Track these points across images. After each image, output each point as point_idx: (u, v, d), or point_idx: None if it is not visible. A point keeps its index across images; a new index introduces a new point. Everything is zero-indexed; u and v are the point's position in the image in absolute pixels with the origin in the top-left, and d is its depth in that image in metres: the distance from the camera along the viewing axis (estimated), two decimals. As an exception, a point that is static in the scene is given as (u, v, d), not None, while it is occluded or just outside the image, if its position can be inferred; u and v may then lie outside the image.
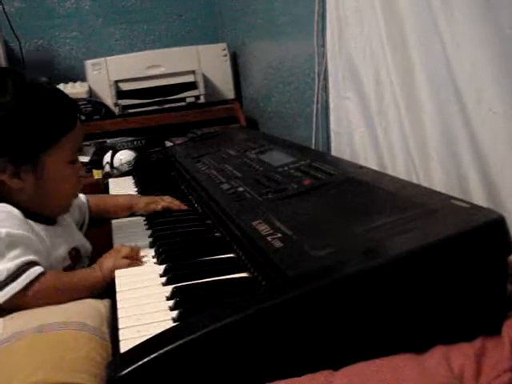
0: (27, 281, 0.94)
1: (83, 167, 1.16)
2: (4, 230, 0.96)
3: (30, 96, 1.02)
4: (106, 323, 0.89)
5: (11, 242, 0.96)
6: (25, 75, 1.08)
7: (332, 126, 1.38)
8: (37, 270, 0.96)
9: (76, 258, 1.12)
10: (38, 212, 1.06)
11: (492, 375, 0.63)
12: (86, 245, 1.19)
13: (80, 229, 1.26)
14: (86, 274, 1.03)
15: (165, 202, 1.32)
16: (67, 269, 1.08)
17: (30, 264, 0.96)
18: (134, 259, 1.03)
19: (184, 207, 1.32)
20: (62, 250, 1.09)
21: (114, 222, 1.32)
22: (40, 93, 1.04)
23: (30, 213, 1.04)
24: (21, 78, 1.05)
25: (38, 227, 1.04)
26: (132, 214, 1.35)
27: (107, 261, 1.03)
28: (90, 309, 0.92)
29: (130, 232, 1.23)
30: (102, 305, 0.94)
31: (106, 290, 1.00)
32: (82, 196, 1.29)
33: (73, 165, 1.07)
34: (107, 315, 0.91)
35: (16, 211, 1.01)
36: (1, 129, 0.98)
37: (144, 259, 1.04)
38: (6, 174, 1.00)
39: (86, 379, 0.74)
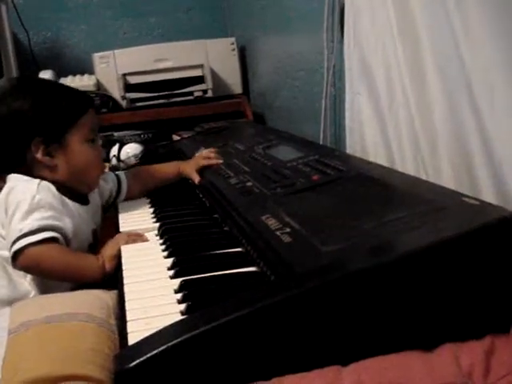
0: (42, 237, 1.06)
1: (103, 151, 1.34)
2: (38, 196, 1.11)
3: (50, 87, 1.26)
4: (113, 315, 0.89)
5: (41, 206, 1.10)
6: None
7: (347, 121, 1.37)
8: (54, 234, 1.08)
9: (95, 239, 1.26)
10: (72, 190, 1.20)
11: (501, 373, 0.63)
12: (99, 228, 1.31)
13: (114, 199, 1.41)
14: (89, 260, 1.11)
15: (204, 158, 1.42)
16: (90, 247, 1.22)
17: (52, 228, 1.08)
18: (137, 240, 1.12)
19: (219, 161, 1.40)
20: (89, 229, 1.24)
21: (120, 215, 1.32)
22: (56, 84, 1.37)
23: (65, 190, 1.18)
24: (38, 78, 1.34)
25: (71, 203, 1.19)
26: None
27: (109, 248, 1.12)
28: (98, 300, 0.92)
29: (138, 225, 1.23)
30: (109, 297, 0.94)
31: (113, 282, 1.01)
32: (115, 174, 1.44)
33: (93, 143, 1.23)
34: (114, 307, 0.91)
35: (51, 186, 1.16)
36: (32, 115, 1.15)
37: (152, 252, 1.04)
38: (40, 153, 1.16)
39: (93, 371, 0.74)
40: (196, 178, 1.38)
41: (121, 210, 1.36)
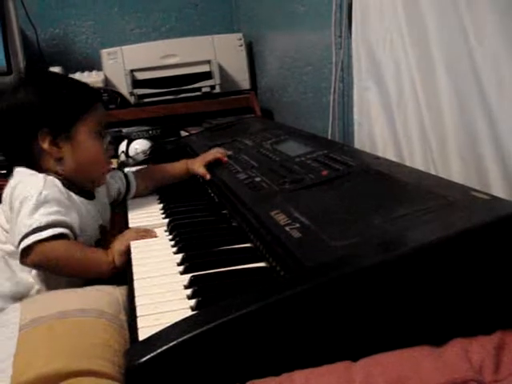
0: (51, 233, 1.06)
1: (112, 149, 1.33)
2: (45, 191, 1.10)
3: (58, 80, 1.29)
4: (123, 311, 0.89)
5: (47, 201, 1.10)
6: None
7: (355, 116, 1.37)
8: (63, 230, 1.08)
9: (104, 235, 1.26)
10: (78, 184, 1.20)
11: (511, 369, 0.62)
12: (108, 225, 1.31)
13: (124, 197, 1.41)
14: (98, 255, 1.11)
15: (213, 154, 1.42)
16: (97, 243, 1.23)
17: (60, 224, 1.08)
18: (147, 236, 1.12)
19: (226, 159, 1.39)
20: (95, 225, 1.23)
21: (130, 212, 1.32)
22: (64, 77, 1.41)
23: (71, 185, 1.18)
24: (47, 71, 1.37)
25: (78, 198, 1.19)
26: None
27: (118, 243, 1.11)
28: (108, 296, 0.93)
29: (147, 221, 1.23)
30: (119, 292, 0.94)
31: (123, 278, 1.01)
32: (123, 172, 1.44)
33: (100, 136, 1.22)
34: (124, 303, 0.91)
35: (57, 181, 1.15)
36: (39, 105, 1.16)
37: (161, 248, 1.05)
38: (47, 143, 1.16)
39: (104, 366, 0.75)
40: (205, 174, 1.37)
41: (130, 206, 1.36)
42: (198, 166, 1.41)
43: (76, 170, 1.19)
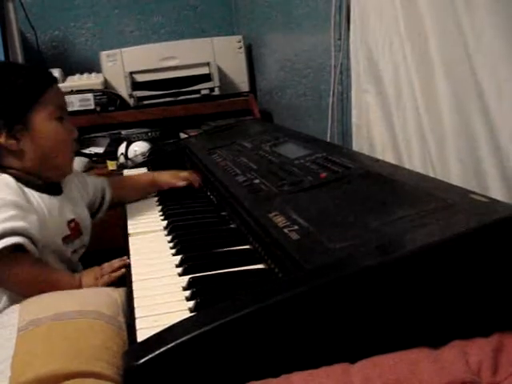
0: (4, 244, 0.99)
1: (75, 130, 1.21)
2: None
3: (4, 68, 1.19)
4: (121, 312, 0.89)
5: (1, 207, 1.02)
6: None
7: (354, 119, 1.37)
8: (19, 239, 1.01)
9: (75, 231, 1.19)
10: (44, 178, 1.14)
11: (509, 371, 0.62)
12: (86, 221, 1.24)
13: (98, 208, 1.35)
14: (64, 279, 1.07)
15: (186, 178, 1.40)
16: (66, 239, 1.15)
17: (14, 232, 1.01)
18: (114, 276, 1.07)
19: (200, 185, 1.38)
20: (62, 220, 1.15)
21: (128, 212, 1.32)
22: (10, 64, 1.34)
23: (31, 182, 1.11)
24: None
25: (36, 195, 1.11)
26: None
27: (89, 277, 1.08)
28: (106, 298, 0.93)
29: (145, 222, 1.23)
30: (117, 294, 0.94)
31: (121, 279, 1.01)
32: (99, 178, 1.38)
33: (60, 122, 1.15)
34: (123, 304, 0.91)
35: (10, 179, 1.08)
36: None
37: (160, 249, 1.05)
38: (3, 136, 1.09)
39: (102, 367, 0.75)
40: (178, 182, 1.37)
41: (128, 207, 1.36)
42: (167, 178, 1.40)
43: (39, 161, 1.13)
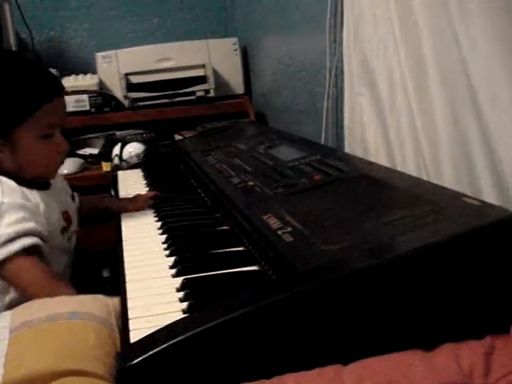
0: (19, 247, 1.01)
1: (66, 143, 1.15)
2: (3, 199, 1.04)
3: (13, 67, 1.10)
4: (113, 313, 0.89)
5: (9, 209, 1.03)
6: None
7: (346, 122, 1.38)
8: (33, 240, 1.03)
9: (68, 221, 1.20)
10: (28, 177, 1.12)
11: (501, 373, 0.63)
12: (73, 208, 1.27)
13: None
14: (63, 291, 1.03)
15: (141, 202, 1.33)
16: (63, 230, 1.17)
17: (26, 233, 1.02)
18: None
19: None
20: (57, 212, 1.16)
21: (123, 214, 1.32)
22: (12, 67, 1.10)
23: (22, 179, 1.11)
24: None
25: (33, 193, 1.11)
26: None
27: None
28: (98, 301, 0.92)
29: (140, 224, 1.23)
30: (110, 301, 0.94)
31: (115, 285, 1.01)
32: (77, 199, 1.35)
33: (47, 139, 1.10)
34: (116, 309, 0.91)
35: (12, 183, 1.08)
36: None
37: (153, 250, 1.05)
38: None
39: (96, 367, 0.74)
40: (145, 206, 1.31)
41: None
42: (116, 209, 1.34)
43: (17, 169, 1.11)
